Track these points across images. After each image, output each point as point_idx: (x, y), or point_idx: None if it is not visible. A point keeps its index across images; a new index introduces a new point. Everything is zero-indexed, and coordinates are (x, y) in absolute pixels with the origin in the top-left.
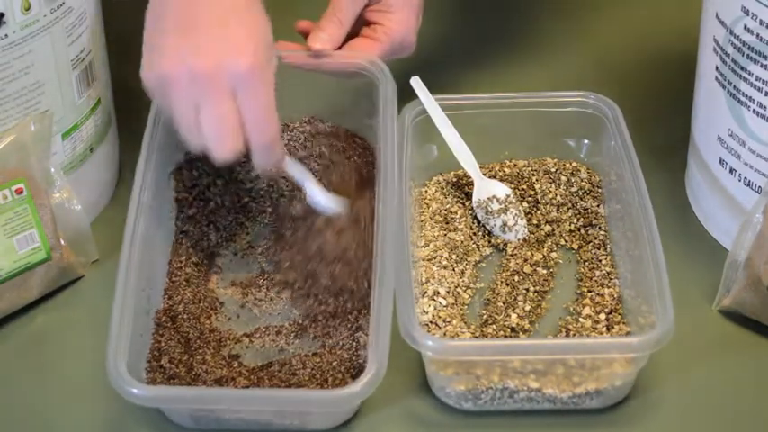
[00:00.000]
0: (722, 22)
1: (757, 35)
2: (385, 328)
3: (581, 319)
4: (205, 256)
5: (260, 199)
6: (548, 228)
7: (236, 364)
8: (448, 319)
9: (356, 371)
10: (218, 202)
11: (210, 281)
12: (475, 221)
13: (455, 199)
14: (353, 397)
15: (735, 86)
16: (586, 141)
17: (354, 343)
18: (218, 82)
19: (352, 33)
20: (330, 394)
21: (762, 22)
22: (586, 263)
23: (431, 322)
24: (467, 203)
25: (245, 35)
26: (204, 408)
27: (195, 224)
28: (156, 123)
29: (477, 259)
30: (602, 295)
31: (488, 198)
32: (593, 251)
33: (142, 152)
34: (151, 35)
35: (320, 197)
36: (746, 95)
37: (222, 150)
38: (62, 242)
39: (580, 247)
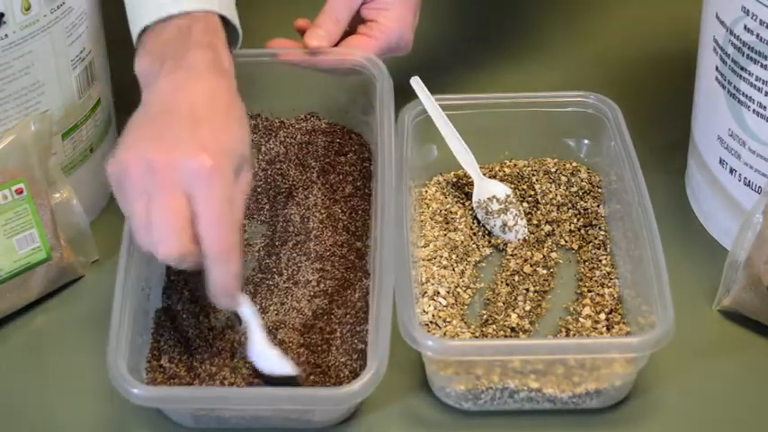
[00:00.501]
0: (722, 22)
1: (757, 35)
2: (385, 328)
3: (581, 319)
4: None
5: (256, 197)
6: (548, 228)
7: (235, 364)
8: (448, 319)
9: (356, 370)
10: None
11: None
12: (475, 221)
13: (455, 199)
14: (354, 395)
15: (735, 86)
16: (586, 141)
17: (354, 342)
18: (173, 176)
19: (349, 31)
20: (330, 393)
21: (762, 22)
22: (586, 263)
23: (431, 322)
24: (467, 203)
25: (213, 139)
26: (205, 407)
27: None
28: None
29: (477, 259)
30: (602, 295)
31: (488, 198)
32: (593, 251)
33: None
34: (123, 134)
35: (264, 355)
36: (746, 95)
37: (166, 248)
38: (62, 242)
39: (580, 247)
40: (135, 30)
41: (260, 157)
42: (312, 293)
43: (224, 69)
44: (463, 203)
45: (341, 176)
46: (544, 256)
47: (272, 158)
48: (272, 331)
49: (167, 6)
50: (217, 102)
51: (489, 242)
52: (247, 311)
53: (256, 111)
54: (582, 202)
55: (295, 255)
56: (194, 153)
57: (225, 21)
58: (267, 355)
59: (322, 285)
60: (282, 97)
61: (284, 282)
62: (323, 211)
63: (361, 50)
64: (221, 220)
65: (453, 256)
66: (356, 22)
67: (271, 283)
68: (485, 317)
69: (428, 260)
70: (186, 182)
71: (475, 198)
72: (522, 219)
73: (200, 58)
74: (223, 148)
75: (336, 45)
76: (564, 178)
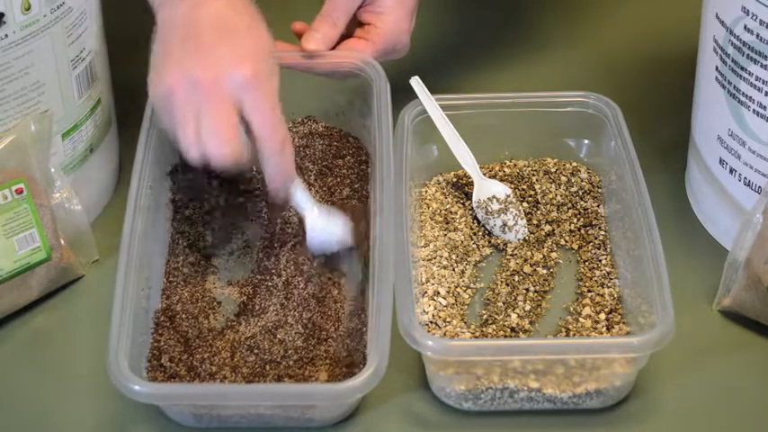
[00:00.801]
0: (722, 22)
1: (757, 35)
2: (385, 325)
3: (581, 319)
4: (202, 257)
5: (255, 199)
6: (548, 228)
7: (235, 363)
8: (448, 319)
9: (357, 368)
10: (214, 202)
11: (207, 281)
12: (475, 221)
13: (455, 199)
14: (354, 391)
15: (735, 86)
16: (586, 141)
17: (355, 341)
18: (220, 89)
19: (346, 34)
20: (331, 388)
21: (762, 22)
22: (586, 263)
23: (431, 322)
24: (467, 203)
25: (246, 49)
26: (206, 405)
27: (191, 224)
28: (152, 124)
29: (477, 259)
30: (602, 295)
31: (488, 198)
32: (593, 251)
33: (138, 153)
34: (157, 57)
35: (320, 235)
36: (746, 95)
37: (222, 155)
38: (62, 242)
39: (580, 247)
40: None
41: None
42: (311, 293)
43: None
44: (463, 203)
45: (338, 179)
46: (544, 256)
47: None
48: (271, 331)
49: None
50: (240, 11)
51: (489, 242)
52: (300, 193)
53: None
54: (582, 202)
55: (294, 256)
56: (235, 65)
57: None
58: (328, 236)
59: (321, 286)
60: (280, 100)
61: (283, 283)
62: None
63: (358, 53)
64: (271, 119)
65: (453, 256)
66: (353, 26)
67: (270, 284)
68: (485, 317)
69: (428, 260)
70: (233, 93)
71: (475, 198)
72: (522, 219)
73: None
74: (258, 55)
75: (334, 48)
76: (564, 178)
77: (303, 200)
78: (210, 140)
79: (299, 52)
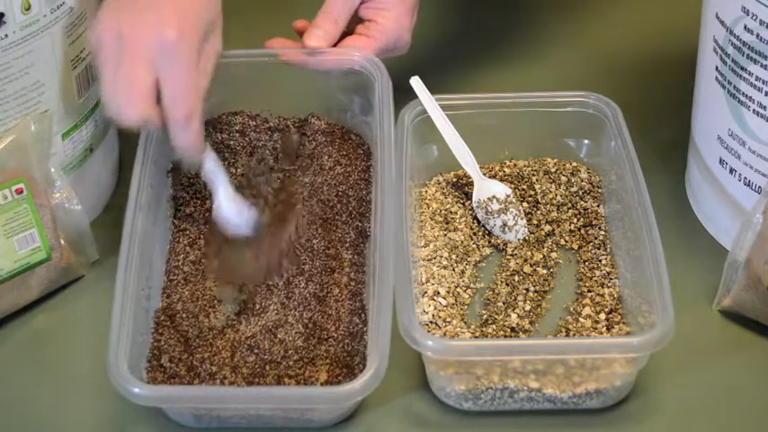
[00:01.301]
0: (722, 22)
1: (757, 35)
2: (385, 326)
3: (581, 319)
4: (202, 255)
5: (256, 197)
6: (548, 228)
7: (235, 363)
8: (448, 319)
9: (357, 368)
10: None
11: (208, 279)
12: (475, 221)
13: (455, 199)
14: (354, 394)
15: (735, 86)
16: (586, 141)
17: (355, 342)
18: (140, 47)
19: (347, 31)
20: (331, 391)
21: (762, 22)
22: (586, 263)
23: (431, 322)
24: (467, 203)
25: (179, 12)
26: (206, 406)
27: (192, 222)
28: None
29: (477, 259)
30: (602, 295)
31: (488, 198)
32: (593, 251)
33: (139, 151)
34: (104, 3)
35: (230, 213)
36: (746, 95)
37: (128, 113)
38: (62, 242)
39: (580, 247)
40: None
41: (258, 158)
42: (312, 293)
43: None
44: (463, 203)
45: (340, 177)
46: (544, 256)
47: (272, 159)
48: (271, 331)
49: None
50: None
51: (489, 242)
52: (215, 169)
53: (256, 111)
54: (582, 202)
55: (295, 255)
56: (161, 27)
57: None
58: (239, 215)
59: (321, 285)
60: (282, 98)
61: (284, 282)
62: (321, 212)
63: (359, 50)
64: (180, 89)
65: (453, 256)
66: (354, 23)
67: (270, 282)
68: (485, 317)
69: (428, 260)
70: (151, 51)
71: (475, 198)
72: (522, 219)
73: None
74: (189, 18)
75: (335, 45)
76: (564, 178)
77: (213, 174)
78: (120, 96)
79: (301, 49)
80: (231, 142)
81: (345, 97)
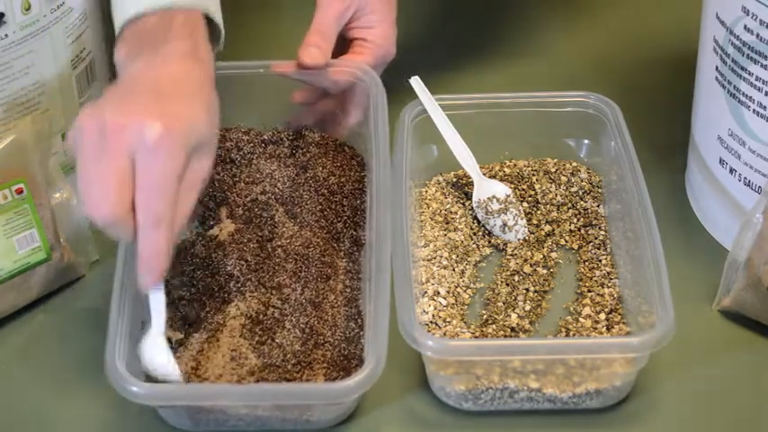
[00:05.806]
0: (722, 22)
1: (757, 35)
2: (383, 326)
3: (581, 319)
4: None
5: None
6: (548, 228)
7: (235, 363)
8: (448, 319)
9: (354, 371)
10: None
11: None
12: (475, 221)
13: (455, 199)
14: (351, 390)
15: (735, 86)
16: (586, 141)
17: (353, 343)
18: (121, 139)
19: (335, 53)
20: (328, 388)
21: (762, 22)
22: (586, 263)
23: (431, 322)
24: (467, 203)
25: (172, 110)
26: (203, 406)
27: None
28: None
29: (477, 259)
30: (602, 295)
31: (488, 198)
32: (593, 251)
33: None
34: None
35: (159, 357)
36: (746, 95)
37: (99, 209)
38: (62, 242)
39: (580, 247)
40: (117, 23)
41: (253, 170)
42: (308, 299)
43: (200, 58)
44: (463, 203)
45: (335, 187)
46: (544, 256)
47: (266, 172)
48: (268, 332)
49: (147, 1)
50: (186, 81)
51: (489, 242)
52: (157, 300)
53: (250, 124)
54: (582, 202)
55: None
56: (146, 119)
57: (208, 20)
58: (155, 353)
59: (317, 292)
60: (276, 110)
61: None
62: (317, 222)
63: (354, 63)
64: (157, 190)
65: (453, 256)
66: (340, 45)
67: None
68: (485, 317)
69: (428, 260)
70: (133, 146)
71: (475, 198)
72: (522, 219)
73: (178, 47)
74: (180, 122)
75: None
76: (564, 178)
77: (155, 309)
78: (92, 194)
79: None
80: (231, 155)
81: (339, 110)
